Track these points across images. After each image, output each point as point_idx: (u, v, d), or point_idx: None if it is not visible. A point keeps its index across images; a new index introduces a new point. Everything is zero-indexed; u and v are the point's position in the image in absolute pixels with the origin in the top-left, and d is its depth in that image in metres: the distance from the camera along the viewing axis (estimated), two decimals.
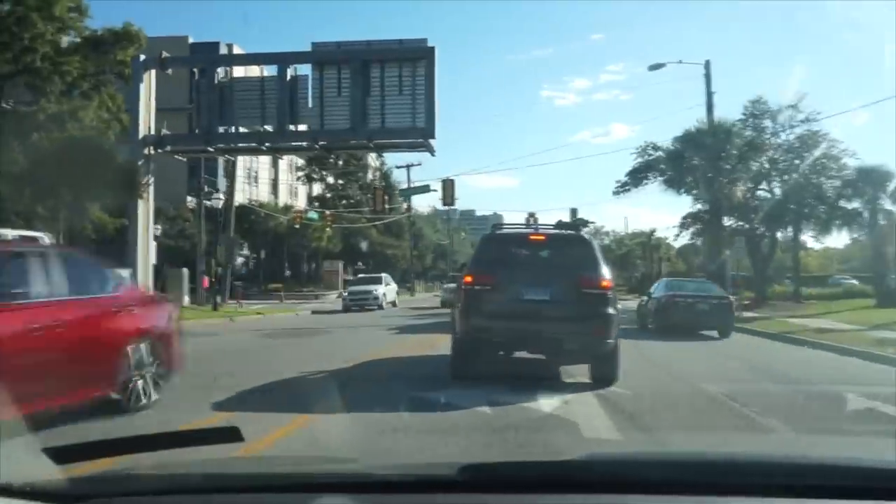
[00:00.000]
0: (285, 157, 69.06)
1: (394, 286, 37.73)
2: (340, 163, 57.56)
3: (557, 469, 1.79)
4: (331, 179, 61.57)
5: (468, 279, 9.76)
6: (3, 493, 1.33)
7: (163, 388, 7.57)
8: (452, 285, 24.04)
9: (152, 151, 24.76)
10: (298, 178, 63.75)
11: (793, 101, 31.27)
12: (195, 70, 26.16)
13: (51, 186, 20.87)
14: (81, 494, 1.50)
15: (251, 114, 24.86)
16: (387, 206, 46.93)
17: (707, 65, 29.63)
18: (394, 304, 35.68)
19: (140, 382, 7.17)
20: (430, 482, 1.65)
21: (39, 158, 22.15)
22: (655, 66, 30.37)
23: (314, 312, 32.16)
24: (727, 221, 31.78)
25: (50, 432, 4.50)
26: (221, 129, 25.51)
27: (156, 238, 36.77)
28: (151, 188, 25.11)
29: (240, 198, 58.01)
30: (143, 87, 24.62)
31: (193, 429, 1.88)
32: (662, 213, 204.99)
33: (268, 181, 66.29)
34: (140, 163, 24.25)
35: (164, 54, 25.44)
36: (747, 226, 32.10)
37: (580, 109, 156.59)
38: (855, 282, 49.54)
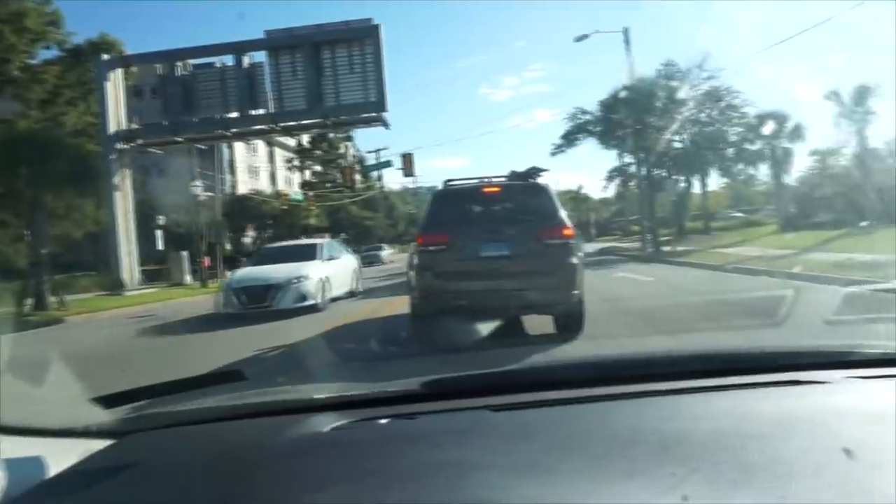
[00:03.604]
0: (279, 151, 63.98)
1: (347, 260, 14.43)
2: (322, 152, 52.49)
3: (497, 376, 1.54)
4: (318, 168, 56.24)
5: (420, 240, 7.01)
6: (67, 435, 1.23)
7: None
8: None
9: (125, 146, 19.50)
10: (288, 168, 58.51)
11: (698, 61, 27.16)
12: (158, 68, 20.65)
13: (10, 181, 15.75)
14: (126, 430, 1.36)
15: (214, 102, 19.88)
16: (360, 185, 42.04)
17: (626, 31, 24.88)
18: (352, 293, 13.82)
19: None
20: (400, 396, 1.44)
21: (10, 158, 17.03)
22: (581, 38, 25.44)
23: None
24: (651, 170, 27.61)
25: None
26: (194, 119, 20.17)
27: (161, 226, 31.98)
28: (128, 180, 19.93)
29: (243, 189, 53.21)
30: (109, 86, 19.45)
31: (206, 373, 1.48)
32: (581, 174, 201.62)
33: (267, 172, 61.68)
34: (113, 157, 19.03)
35: (126, 52, 20.12)
36: (665, 173, 28.19)
37: (511, 101, 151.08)
38: (740, 214, 46.72)
